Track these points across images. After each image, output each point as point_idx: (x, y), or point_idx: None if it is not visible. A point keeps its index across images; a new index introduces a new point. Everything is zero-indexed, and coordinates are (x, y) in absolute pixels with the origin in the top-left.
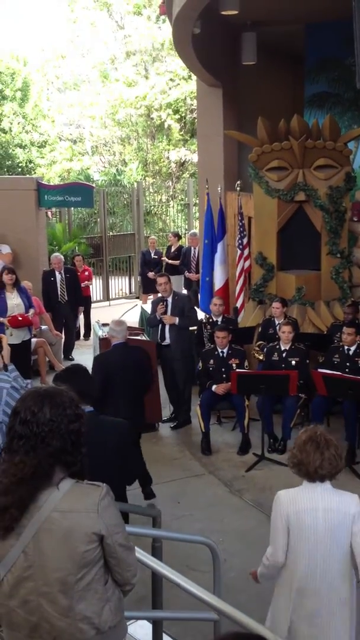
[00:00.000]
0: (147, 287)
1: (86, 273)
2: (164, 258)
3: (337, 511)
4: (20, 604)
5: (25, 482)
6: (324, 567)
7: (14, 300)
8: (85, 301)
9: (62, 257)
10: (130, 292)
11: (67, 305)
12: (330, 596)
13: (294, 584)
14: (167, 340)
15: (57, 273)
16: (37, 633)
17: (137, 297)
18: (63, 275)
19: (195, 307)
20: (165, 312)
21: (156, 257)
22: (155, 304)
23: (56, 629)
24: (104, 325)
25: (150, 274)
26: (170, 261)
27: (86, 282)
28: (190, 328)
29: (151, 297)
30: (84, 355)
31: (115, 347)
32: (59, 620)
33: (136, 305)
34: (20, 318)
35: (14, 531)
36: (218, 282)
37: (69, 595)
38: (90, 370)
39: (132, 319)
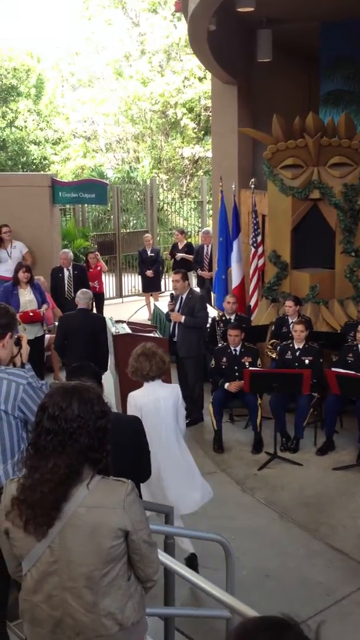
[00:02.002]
0: (147, 285)
1: (98, 268)
2: (177, 255)
3: (169, 397)
4: (45, 599)
5: (62, 483)
6: (166, 433)
7: (26, 297)
8: (98, 298)
9: (70, 253)
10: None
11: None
12: (169, 451)
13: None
14: (177, 337)
15: (65, 269)
16: (60, 629)
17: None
18: (71, 272)
19: (209, 306)
20: (173, 309)
21: (152, 254)
22: (171, 299)
23: (80, 625)
24: (118, 322)
25: (149, 272)
26: (185, 255)
27: (96, 282)
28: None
29: (153, 295)
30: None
31: (78, 310)
32: (83, 616)
33: (144, 305)
34: (31, 314)
35: (50, 529)
36: (235, 281)
37: (94, 590)
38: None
39: (144, 317)
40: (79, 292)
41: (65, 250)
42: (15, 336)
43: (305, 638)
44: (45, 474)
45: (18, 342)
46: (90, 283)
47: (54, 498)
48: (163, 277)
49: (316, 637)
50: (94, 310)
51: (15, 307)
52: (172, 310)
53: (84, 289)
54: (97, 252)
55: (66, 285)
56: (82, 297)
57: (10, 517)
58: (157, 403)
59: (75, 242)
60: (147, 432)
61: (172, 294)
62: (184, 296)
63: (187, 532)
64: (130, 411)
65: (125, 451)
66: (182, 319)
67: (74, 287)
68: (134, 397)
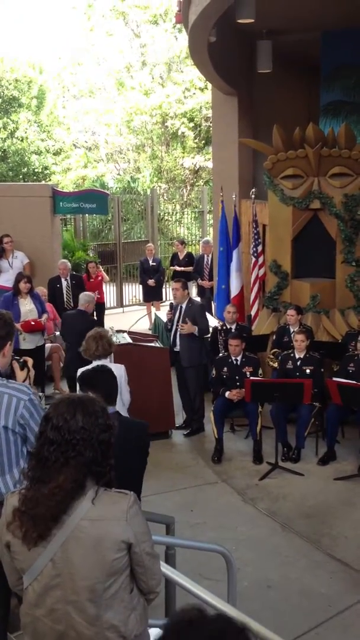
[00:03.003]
0: (148, 295)
1: (99, 278)
2: (175, 267)
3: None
4: (47, 613)
5: (66, 497)
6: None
7: (27, 307)
8: (99, 308)
9: (68, 263)
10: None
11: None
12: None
13: None
14: (178, 347)
15: (62, 279)
16: None
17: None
18: (69, 282)
19: (209, 315)
20: (172, 319)
21: (154, 264)
22: (171, 309)
23: (83, 638)
24: (118, 332)
25: (150, 282)
26: (183, 268)
27: (96, 292)
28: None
29: (154, 305)
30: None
31: (77, 310)
32: (87, 629)
33: (145, 315)
34: (32, 323)
35: (43, 540)
36: (234, 290)
37: (97, 603)
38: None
39: (144, 326)
40: (81, 294)
41: (64, 260)
42: (22, 360)
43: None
44: (53, 489)
45: (24, 366)
46: (90, 293)
47: (57, 511)
48: (164, 286)
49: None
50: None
51: (15, 316)
52: (170, 320)
53: (87, 292)
54: (96, 262)
55: (65, 295)
56: (81, 298)
57: (11, 529)
58: None
59: (76, 253)
60: None
61: (171, 304)
62: (184, 305)
63: (188, 543)
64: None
65: (131, 455)
66: (196, 329)
67: (73, 297)
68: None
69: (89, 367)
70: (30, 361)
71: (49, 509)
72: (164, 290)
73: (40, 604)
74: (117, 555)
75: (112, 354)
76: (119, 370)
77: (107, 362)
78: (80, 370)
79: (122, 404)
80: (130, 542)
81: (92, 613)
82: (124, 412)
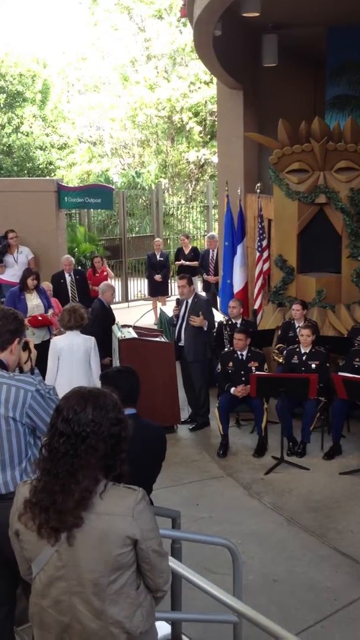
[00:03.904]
0: (154, 290)
1: (105, 273)
2: (180, 261)
3: (82, 344)
4: (52, 604)
5: (90, 493)
6: (77, 375)
7: (33, 302)
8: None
9: (72, 258)
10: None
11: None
12: (79, 384)
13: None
14: (183, 342)
15: (66, 275)
16: (67, 634)
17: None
18: (73, 277)
19: (215, 310)
20: (178, 315)
21: (162, 259)
22: (177, 305)
23: (88, 630)
24: (124, 326)
25: (157, 277)
26: (188, 263)
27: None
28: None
29: (160, 300)
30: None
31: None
32: (92, 622)
33: (151, 310)
34: (40, 318)
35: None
36: (237, 285)
37: (101, 597)
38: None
39: (149, 321)
40: (102, 285)
41: (67, 256)
42: (23, 341)
43: None
44: (70, 485)
45: (26, 347)
46: (95, 288)
47: (81, 508)
48: (170, 281)
49: None
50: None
51: (23, 311)
52: (177, 315)
53: (105, 282)
54: (101, 257)
55: (69, 290)
56: (100, 288)
57: (23, 520)
58: (71, 347)
59: (81, 246)
60: (63, 368)
61: (178, 299)
62: (190, 301)
63: (194, 537)
64: (52, 352)
65: (147, 457)
66: (206, 323)
67: (77, 291)
68: (55, 341)
69: (60, 337)
70: (31, 342)
71: (76, 504)
72: (169, 284)
73: (47, 594)
74: (122, 551)
75: (83, 326)
76: (89, 342)
77: (79, 332)
78: (54, 340)
79: (89, 371)
80: (136, 538)
81: (96, 606)
82: (92, 380)
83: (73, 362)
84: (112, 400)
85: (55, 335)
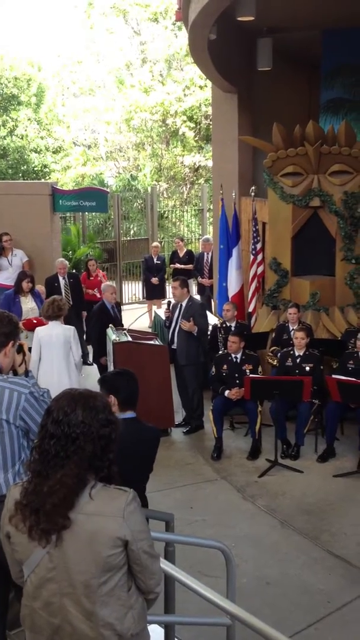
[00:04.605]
0: (151, 293)
1: (99, 278)
2: (175, 265)
3: (62, 334)
4: (43, 606)
5: (71, 493)
6: (57, 361)
7: (28, 305)
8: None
9: (66, 262)
10: (144, 297)
11: (72, 310)
12: (59, 371)
13: (47, 377)
14: (176, 345)
15: (60, 278)
16: (58, 636)
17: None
18: (67, 280)
19: (209, 313)
20: (169, 317)
21: (159, 262)
22: (170, 307)
23: (78, 632)
24: (118, 329)
25: (154, 280)
26: (182, 266)
27: (95, 290)
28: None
29: (155, 303)
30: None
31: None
32: (82, 623)
33: (146, 312)
34: (35, 321)
35: (50, 535)
36: (233, 288)
37: (92, 599)
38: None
39: (144, 324)
40: (102, 285)
41: (61, 259)
42: (17, 343)
43: None
44: (54, 486)
45: (20, 350)
46: (90, 291)
47: (64, 508)
48: (165, 284)
49: None
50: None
51: (17, 314)
52: (168, 317)
53: (107, 283)
54: (96, 260)
55: (63, 293)
56: (102, 288)
57: (14, 522)
58: (51, 336)
59: (77, 251)
60: (44, 355)
61: (169, 302)
62: (184, 304)
63: (187, 540)
64: (34, 341)
65: (142, 459)
66: (195, 329)
67: (71, 295)
68: (37, 331)
69: (43, 327)
70: (25, 345)
71: (54, 506)
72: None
73: (38, 596)
74: (112, 552)
75: (62, 317)
76: (68, 332)
77: (59, 323)
78: (37, 330)
79: (70, 358)
80: (127, 539)
81: (87, 608)
82: (74, 371)
83: (53, 350)
84: (102, 401)
85: None
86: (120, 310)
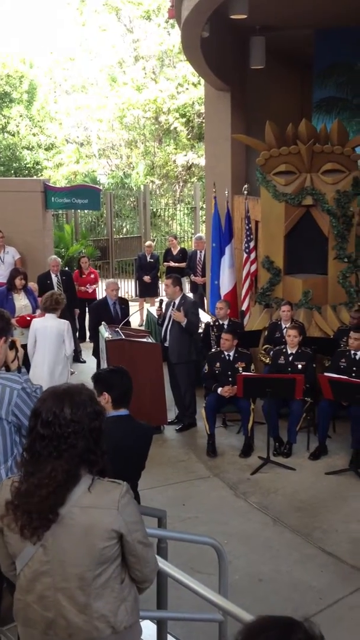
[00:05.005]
0: (143, 291)
1: (92, 276)
2: (169, 263)
3: (55, 327)
4: (37, 600)
5: (60, 487)
6: (49, 351)
7: (21, 302)
8: (91, 303)
9: (59, 259)
10: (137, 295)
11: (65, 307)
12: (51, 361)
13: (38, 368)
14: (168, 343)
15: (53, 275)
16: (52, 630)
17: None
18: (59, 278)
19: (202, 311)
20: (160, 314)
21: (152, 260)
22: (160, 305)
23: (72, 626)
24: (110, 326)
25: (146, 278)
26: (176, 264)
27: (87, 285)
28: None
29: (148, 301)
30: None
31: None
32: (76, 617)
33: (137, 310)
34: (28, 318)
35: (42, 532)
36: (226, 286)
37: (86, 592)
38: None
39: (136, 322)
40: (107, 281)
41: (53, 256)
42: (9, 340)
43: (312, 636)
44: (43, 479)
45: (13, 346)
46: (82, 288)
47: (53, 502)
48: (158, 282)
49: (321, 636)
50: (87, 315)
51: (10, 311)
52: (160, 315)
53: (109, 280)
54: (88, 257)
55: (56, 290)
56: (107, 284)
57: (5, 522)
58: (45, 328)
59: (70, 248)
60: (38, 345)
61: (161, 300)
62: (177, 301)
63: (180, 536)
64: (30, 332)
65: (136, 456)
66: (185, 321)
67: (64, 292)
68: (34, 322)
69: (39, 319)
70: (18, 341)
71: (41, 499)
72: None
73: (31, 590)
74: (107, 544)
75: (59, 311)
76: (62, 325)
77: (54, 316)
78: (33, 322)
79: (61, 349)
80: (121, 531)
81: (81, 601)
82: (65, 364)
83: (46, 340)
84: (87, 394)
85: None
86: (127, 307)
